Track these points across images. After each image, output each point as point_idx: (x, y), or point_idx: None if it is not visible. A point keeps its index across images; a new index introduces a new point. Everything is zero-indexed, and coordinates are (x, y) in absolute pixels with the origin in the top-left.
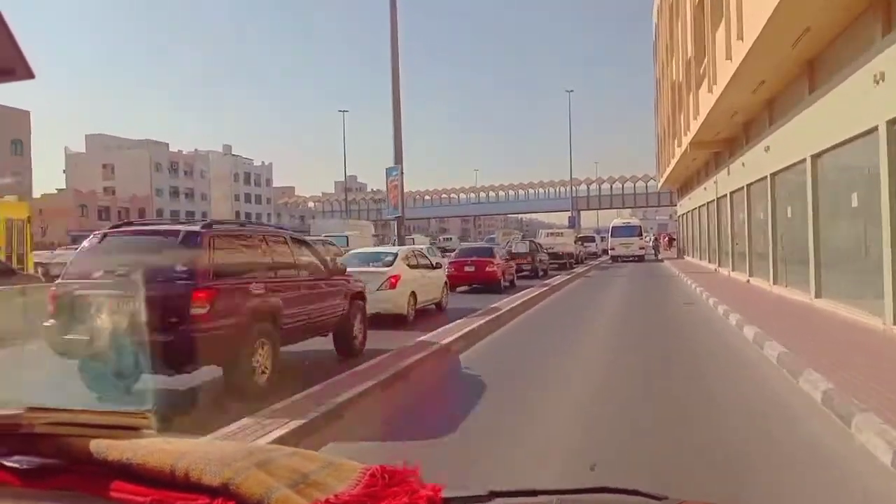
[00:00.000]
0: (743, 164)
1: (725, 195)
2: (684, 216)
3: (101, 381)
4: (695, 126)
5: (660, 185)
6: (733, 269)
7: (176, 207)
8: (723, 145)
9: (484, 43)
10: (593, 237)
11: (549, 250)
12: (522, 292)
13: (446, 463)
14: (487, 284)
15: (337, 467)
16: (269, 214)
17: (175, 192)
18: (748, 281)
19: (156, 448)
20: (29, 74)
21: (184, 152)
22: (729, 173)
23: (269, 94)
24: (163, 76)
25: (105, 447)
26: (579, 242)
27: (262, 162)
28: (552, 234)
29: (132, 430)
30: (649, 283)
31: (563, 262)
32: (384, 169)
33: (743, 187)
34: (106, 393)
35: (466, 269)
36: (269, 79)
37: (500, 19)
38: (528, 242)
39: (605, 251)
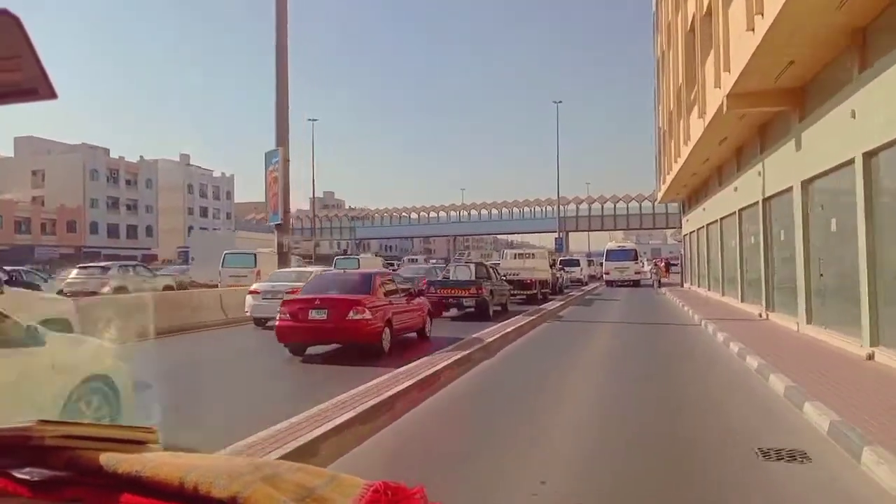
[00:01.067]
0: (853, 114)
1: (789, 188)
2: (694, 234)
3: None
4: (745, 54)
5: (661, 195)
6: (810, 321)
7: (114, 220)
8: (784, 98)
9: (475, 55)
10: (577, 260)
11: (514, 277)
12: (411, 365)
13: None
14: (355, 343)
15: (341, 482)
16: (229, 231)
17: (114, 204)
18: (871, 356)
19: (165, 461)
20: (52, 95)
21: (126, 159)
22: (799, 147)
23: (247, 106)
24: (137, 84)
25: (115, 460)
26: (558, 266)
27: (223, 173)
28: (521, 255)
29: (140, 444)
30: (655, 344)
31: (532, 292)
32: (377, 186)
33: (853, 160)
34: None
35: (312, 315)
36: (246, 90)
37: (495, 26)
38: (472, 266)
39: (592, 277)
